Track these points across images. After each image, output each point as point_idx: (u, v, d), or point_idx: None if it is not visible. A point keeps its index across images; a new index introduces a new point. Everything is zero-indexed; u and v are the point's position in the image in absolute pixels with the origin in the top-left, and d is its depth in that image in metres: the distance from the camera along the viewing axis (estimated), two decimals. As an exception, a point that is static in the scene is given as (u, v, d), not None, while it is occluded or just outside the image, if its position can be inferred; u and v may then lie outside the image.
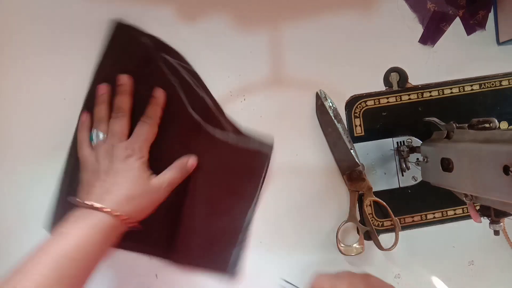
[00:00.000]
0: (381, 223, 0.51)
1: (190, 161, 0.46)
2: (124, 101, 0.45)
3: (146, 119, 0.45)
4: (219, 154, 0.46)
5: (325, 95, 0.49)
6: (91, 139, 0.45)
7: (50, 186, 0.47)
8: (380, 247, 0.49)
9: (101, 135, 0.44)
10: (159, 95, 0.45)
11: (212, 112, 0.47)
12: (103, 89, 0.46)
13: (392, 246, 0.49)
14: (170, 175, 0.44)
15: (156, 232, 0.46)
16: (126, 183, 0.41)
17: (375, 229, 0.50)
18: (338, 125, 0.49)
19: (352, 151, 0.49)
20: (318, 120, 0.50)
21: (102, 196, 0.40)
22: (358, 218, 0.51)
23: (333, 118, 0.49)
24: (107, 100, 0.46)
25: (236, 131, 0.48)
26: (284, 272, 0.50)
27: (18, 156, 0.47)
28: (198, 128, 0.46)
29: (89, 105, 0.46)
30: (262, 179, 0.47)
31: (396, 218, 0.50)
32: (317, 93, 0.49)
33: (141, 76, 0.46)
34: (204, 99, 0.47)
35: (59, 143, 0.47)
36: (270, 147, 0.48)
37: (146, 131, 0.44)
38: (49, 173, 0.47)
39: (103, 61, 0.47)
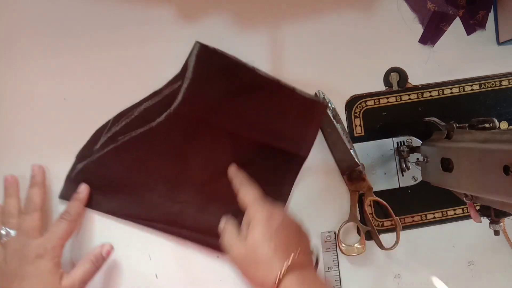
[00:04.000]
0: (381, 223, 0.51)
1: (105, 249, 0.45)
2: (35, 194, 0.44)
3: (65, 216, 0.43)
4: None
5: (323, 95, 0.49)
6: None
7: (49, 186, 0.47)
8: (381, 246, 0.49)
9: (11, 232, 0.41)
10: (82, 190, 0.45)
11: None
12: (10, 181, 0.44)
13: (394, 245, 0.49)
14: (82, 271, 0.42)
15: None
16: None
17: (375, 229, 0.50)
18: (338, 125, 0.49)
19: (351, 151, 0.49)
20: None
21: None
22: (359, 218, 0.51)
23: (332, 118, 0.49)
24: (15, 193, 0.44)
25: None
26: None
27: (18, 156, 0.47)
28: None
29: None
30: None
31: (397, 217, 0.50)
32: (315, 93, 0.49)
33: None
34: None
35: (59, 143, 0.47)
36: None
37: (63, 229, 0.42)
38: (48, 173, 0.47)
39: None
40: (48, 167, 0.47)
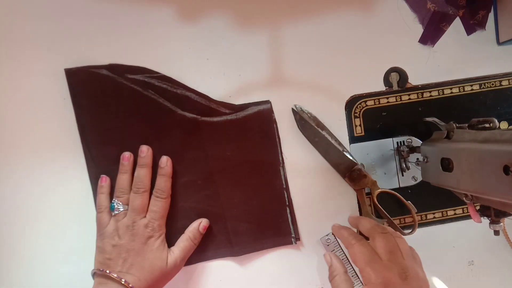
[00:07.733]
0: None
1: (202, 225, 0.47)
2: (145, 175, 0.46)
3: (159, 194, 0.46)
4: (227, 135, 0.48)
5: (300, 108, 0.49)
6: (111, 208, 0.45)
7: (49, 186, 0.47)
8: (401, 232, 0.49)
9: (121, 207, 0.45)
10: (165, 164, 0.46)
11: (202, 104, 0.48)
12: (127, 157, 0.46)
13: (412, 230, 0.49)
14: (182, 249, 0.46)
15: (210, 239, 0.49)
16: (146, 265, 0.43)
17: (391, 219, 0.49)
18: (323, 132, 0.49)
19: (345, 152, 0.49)
20: (303, 135, 0.50)
21: (124, 275, 0.42)
22: (372, 213, 0.50)
23: (315, 127, 0.49)
24: (130, 170, 0.46)
25: (232, 107, 0.49)
26: (294, 273, 0.50)
27: (18, 156, 0.47)
28: (197, 124, 0.47)
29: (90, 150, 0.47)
30: (276, 133, 0.49)
31: (409, 202, 0.50)
32: (292, 109, 0.49)
33: (119, 105, 0.47)
34: (188, 96, 0.48)
35: (59, 143, 0.47)
36: (267, 102, 0.49)
37: (162, 207, 0.46)
38: (48, 173, 0.47)
39: (77, 112, 0.47)
40: (48, 167, 0.47)
